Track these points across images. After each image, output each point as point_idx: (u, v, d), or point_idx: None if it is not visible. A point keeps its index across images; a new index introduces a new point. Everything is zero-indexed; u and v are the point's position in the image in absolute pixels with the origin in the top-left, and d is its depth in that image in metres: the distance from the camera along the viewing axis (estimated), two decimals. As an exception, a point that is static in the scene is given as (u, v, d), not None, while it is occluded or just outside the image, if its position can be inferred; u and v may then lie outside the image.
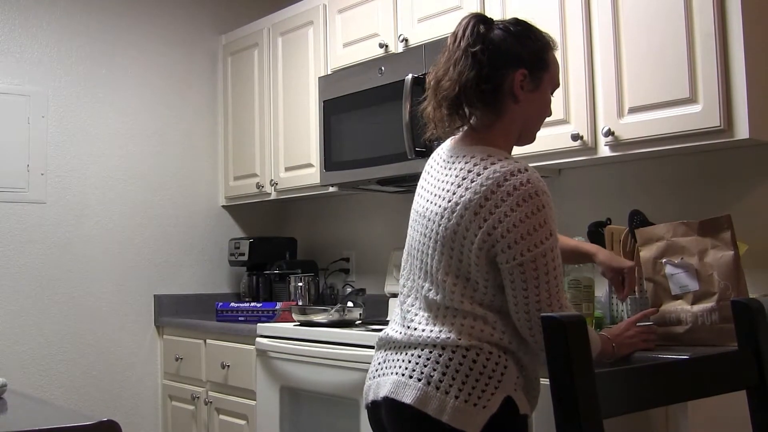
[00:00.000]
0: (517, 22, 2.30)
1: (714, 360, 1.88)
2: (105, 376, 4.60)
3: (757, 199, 3.01)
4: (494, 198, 2.10)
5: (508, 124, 2.26)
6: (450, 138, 2.35)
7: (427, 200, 2.27)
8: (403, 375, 2.17)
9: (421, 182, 2.37)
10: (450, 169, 2.24)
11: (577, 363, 1.49)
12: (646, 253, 2.67)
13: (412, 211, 2.36)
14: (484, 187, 2.11)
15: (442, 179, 2.24)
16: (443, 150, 2.34)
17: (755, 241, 2.91)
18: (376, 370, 2.30)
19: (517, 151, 2.34)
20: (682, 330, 2.53)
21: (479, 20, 2.24)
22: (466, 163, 2.19)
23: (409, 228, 2.36)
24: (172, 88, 4.95)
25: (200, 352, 4.41)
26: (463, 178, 2.17)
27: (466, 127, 2.29)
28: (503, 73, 2.21)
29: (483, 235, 2.10)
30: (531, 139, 2.36)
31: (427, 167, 2.38)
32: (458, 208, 2.14)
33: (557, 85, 2.36)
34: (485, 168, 2.14)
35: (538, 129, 2.36)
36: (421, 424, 2.10)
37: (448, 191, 2.19)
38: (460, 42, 2.22)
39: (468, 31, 2.21)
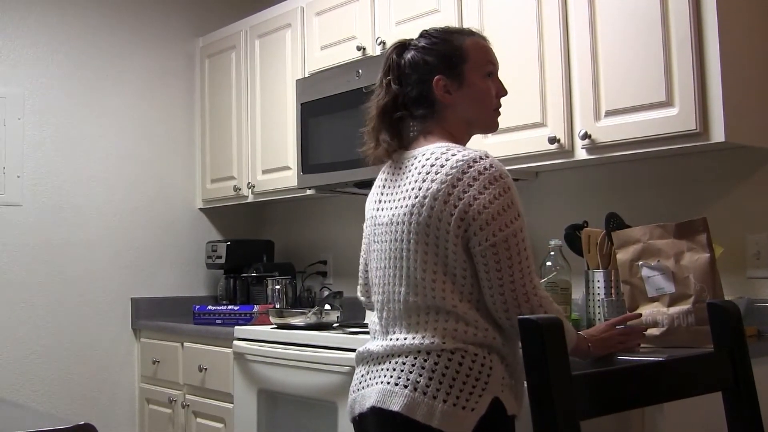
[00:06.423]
0: (425, 35, 2.39)
1: (690, 362, 1.89)
2: (82, 379, 4.57)
3: (733, 201, 3.03)
4: (461, 184, 2.13)
5: (452, 124, 2.33)
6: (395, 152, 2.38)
7: (390, 209, 2.28)
8: (388, 383, 2.16)
9: (374, 197, 2.40)
10: (408, 171, 2.27)
11: (553, 365, 1.49)
12: (622, 255, 2.68)
13: (372, 227, 2.37)
14: (450, 176, 2.15)
15: (402, 182, 2.27)
16: (392, 162, 2.38)
17: (731, 243, 2.93)
18: (359, 383, 2.29)
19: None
20: (659, 332, 2.54)
21: (394, 49, 2.39)
22: (426, 159, 2.23)
23: (373, 244, 2.36)
24: (150, 90, 4.93)
25: (177, 355, 4.39)
26: (427, 173, 2.20)
27: (414, 135, 2.36)
28: (425, 87, 2.31)
29: (456, 220, 2.12)
30: (488, 125, 2.43)
31: (378, 182, 2.41)
32: (427, 200, 2.16)
33: (491, 65, 2.37)
34: (447, 159, 2.18)
35: (491, 115, 2.38)
36: (411, 431, 2.10)
37: (412, 189, 2.21)
38: (387, 72, 2.38)
39: (387, 64, 2.39)
